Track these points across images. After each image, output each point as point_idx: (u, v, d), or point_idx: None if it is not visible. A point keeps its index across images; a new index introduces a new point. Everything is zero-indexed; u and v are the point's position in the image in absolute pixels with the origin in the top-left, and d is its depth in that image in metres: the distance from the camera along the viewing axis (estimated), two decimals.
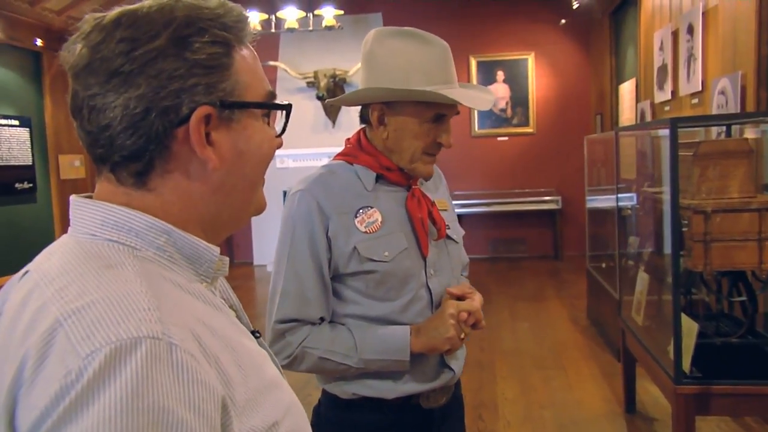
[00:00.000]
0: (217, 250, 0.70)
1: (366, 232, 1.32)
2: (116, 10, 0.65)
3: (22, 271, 0.67)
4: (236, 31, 0.68)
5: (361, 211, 1.33)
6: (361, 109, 1.38)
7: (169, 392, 0.52)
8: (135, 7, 0.65)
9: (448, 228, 1.43)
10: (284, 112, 0.75)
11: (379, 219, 1.34)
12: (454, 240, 1.46)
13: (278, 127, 0.76)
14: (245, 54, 0.69)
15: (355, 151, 1.39)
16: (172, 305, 0.59)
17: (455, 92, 1.30)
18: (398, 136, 1.33)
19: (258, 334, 0.79)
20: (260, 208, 0.76)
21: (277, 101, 0.74)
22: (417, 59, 1.29)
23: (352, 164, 1.38)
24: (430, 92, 1.27)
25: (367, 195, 1.35)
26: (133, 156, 0.64)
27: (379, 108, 1.33)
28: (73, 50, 0.65)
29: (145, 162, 0.64)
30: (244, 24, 0.69)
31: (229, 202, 0.70)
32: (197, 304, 0.64)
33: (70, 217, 0.67)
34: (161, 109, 0.63)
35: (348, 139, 1.44)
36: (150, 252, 0.64)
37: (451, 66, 1.34)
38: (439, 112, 1.31)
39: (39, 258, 0.67)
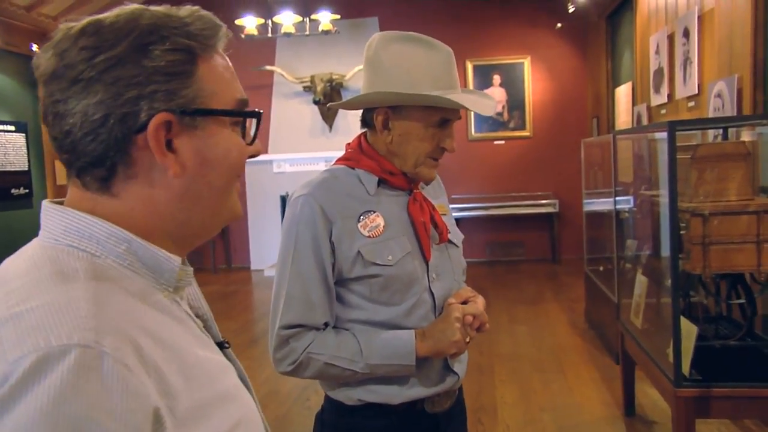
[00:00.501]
0: (178, 260, 0.69)
1: (369, 236, 1.32)
2: (85, 19, 0.66)
3: None
4: (202, 39, 0.68)
5: (363, 215, 1.33)
6: (364, 113, 1.37)
7: (94, 402, 0.52)
8: (103, 16, 0.66)
9: (449, 232, 1.43)
10: (255, 120, 0.74)
11: (382, 223, 1.33)
12: (455, 244, 1.46)
13: (255, 134, 0.76)
14: (214, 62, 0.70)
15: (357, 155, 1.39)
16: (114, 314, 0.58)
17: (461, 97, 1.30)
18: (403, 140, 1.33)
19: (227, 345, 0.78)
20: (234, 216, 0.75)
21: (255, 108, 0.73)
22: (423, 64, 1.30)
23: (354, 168, 1.38)
24: (438, 97, 1.27)
25: (369, 199, 1.35)
26: (95, 162, 0.65)
27: (384, 112, 1.32)
28: (44, 58, 0.66)
29: (107, 168, 0.65)
30: (212, 32, 0.69)
31: (196, 210, 0.70)
32: (149, 313, 0.64)
33: (41, 220, 0.68)
34: (120, 116, 0.63)
35: (348, 143, 1.43)
36: (110, 260, 0.64)
37: (455, 71, 1.34)
38: (444, 116, 1.32)
39: (7, 259, 0.67)
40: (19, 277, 0.61)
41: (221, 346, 0.77)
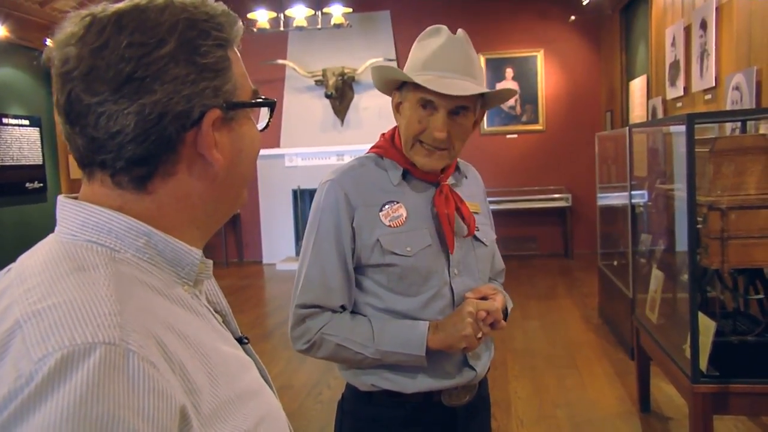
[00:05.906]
0: (199, 252, 0.68)
1: (390, 225, 1.33)
2: (110, 9, 0.63)
3: (8, 267, 0.67)
4: (229, 31, 0.68)
5: (387, 205, 1.34)
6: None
7: (120, 401, 0.51)
8: (128, 6, 0.63)
9: (478, 230, 1.42)
10: (269, 108, 0.75)
11: (404, 214, 1.34)
12: (483, 243, 1.44)
13: (262, 123, 0.77)
14: (235, 54, 0.69)
15: (387, 144, 1.40)
16: (137, 310, 0.57)
17: (442, 81, 1.25)
18: (402, 123, 1.35)
19: (246, 340, 0.78)
20: (244, 203, 0.76)
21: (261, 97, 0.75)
22: (426, 49, 1.31)
23: (382, 158, 1.40)
24: (400, 72, 1.30)
25: (394, 189, 1.36)
26: (140, 161, 0.63)
27: (396, 96, 1.36)
28: (66, 54, 0.62)
29: (150, 166, 0.64)
30: (234, 21, 0.69)
31: (223, 200, 0.71)
32: (172, 309, 0.63)
33: (56, 216, 0.66)
34: (174, 114, 0.62)
35: (383, 133, 1.45)
36: (129, 254, 0.63)
37: (457, 56, 1.29)
38: (424, 97, 1.28)
39: (23, 255, 0.66)
40: (38, 274, 0.60)
41: (240, 341, 0.77)
